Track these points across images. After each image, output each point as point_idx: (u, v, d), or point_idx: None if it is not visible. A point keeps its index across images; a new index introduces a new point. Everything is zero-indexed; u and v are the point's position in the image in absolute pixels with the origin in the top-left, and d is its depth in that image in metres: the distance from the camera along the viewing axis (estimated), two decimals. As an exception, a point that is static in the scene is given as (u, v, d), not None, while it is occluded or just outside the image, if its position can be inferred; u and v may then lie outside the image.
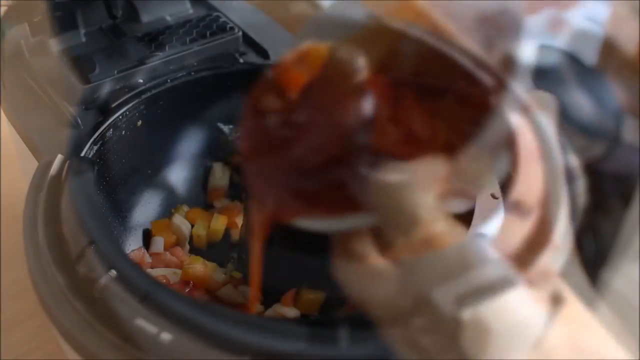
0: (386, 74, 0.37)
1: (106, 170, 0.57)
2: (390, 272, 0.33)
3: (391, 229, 0.33)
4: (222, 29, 0.65)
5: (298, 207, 0.37)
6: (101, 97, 0.58)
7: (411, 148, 0.34)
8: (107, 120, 0.56)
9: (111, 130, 0.56)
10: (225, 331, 0.41)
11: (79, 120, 0.57)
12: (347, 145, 0.37)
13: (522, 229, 0.36)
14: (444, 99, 0.35)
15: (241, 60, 0.64)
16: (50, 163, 0.53)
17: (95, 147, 0.54)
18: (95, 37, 0.65)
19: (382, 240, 0.35)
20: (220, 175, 0.66)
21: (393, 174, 0.33)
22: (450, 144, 0.33)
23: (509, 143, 0.35)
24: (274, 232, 0.42)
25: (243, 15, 0.70)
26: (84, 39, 0.65)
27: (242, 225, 0.58)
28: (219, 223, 0.62)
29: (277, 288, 0.56)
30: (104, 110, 0.58)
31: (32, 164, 0.55)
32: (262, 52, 0.65)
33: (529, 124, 0.36)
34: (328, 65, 0.38)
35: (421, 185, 0.32)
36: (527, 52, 0.35)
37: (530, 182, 0.36)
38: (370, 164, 0.35)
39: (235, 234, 0.62)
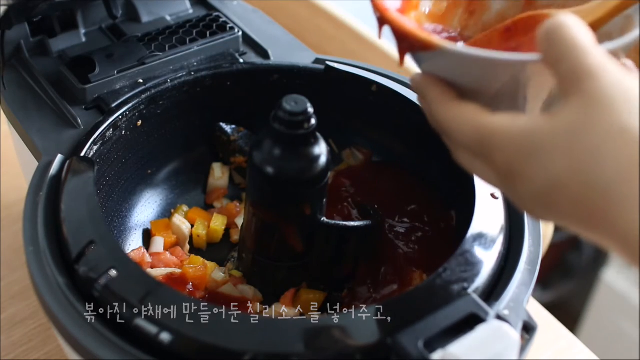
0: None
1: (106, 170, 0.57)
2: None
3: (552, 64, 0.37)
4: (222, 29, 0.65)
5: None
6: (101, 97, 0.58)
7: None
8: (107, 120, 0.56)
9: (111, 130, 0.56)
10: (225, 331, 0.41)
11: (79, 120, 0.57)
12: None
13: None
14: None
15: (241, 60, 0.64)
16: (50, 163, 0.53)
17: (95, 147, 0.54)
18: (95, 37, 0.65)
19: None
20: (220, 176, 0.66)
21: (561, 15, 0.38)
22: None
23: None
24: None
25: (243, 15, 0.70)
26: (84, 39, 0.65)
27: (242, 225, 0.58)
28: (219, 223, 0.62)
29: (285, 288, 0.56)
30: (104, 110, 0.58)
31: (32, 164, 0.55)
32: (262, 52, 0.65)
33: None
34: None
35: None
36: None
37: None
38: None
39: (235, 234, 0.62)
